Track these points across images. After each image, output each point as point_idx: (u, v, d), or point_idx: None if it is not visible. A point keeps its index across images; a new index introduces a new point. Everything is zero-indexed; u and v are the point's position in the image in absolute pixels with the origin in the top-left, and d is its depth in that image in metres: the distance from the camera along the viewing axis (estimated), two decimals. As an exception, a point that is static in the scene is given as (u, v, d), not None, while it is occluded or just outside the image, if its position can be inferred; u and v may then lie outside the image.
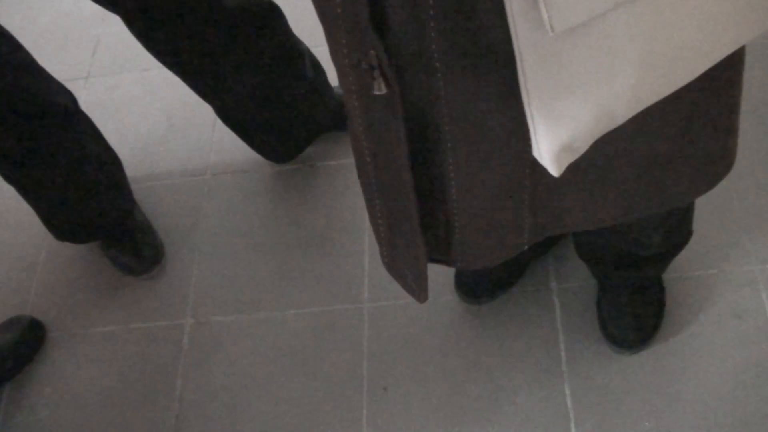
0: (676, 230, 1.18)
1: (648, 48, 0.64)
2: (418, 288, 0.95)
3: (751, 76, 1.59)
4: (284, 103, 1.51)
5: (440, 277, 1.47)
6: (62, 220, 1.54)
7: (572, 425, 1.29)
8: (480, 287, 1.41)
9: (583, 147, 0.70)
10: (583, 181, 0.84)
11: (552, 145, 0.68)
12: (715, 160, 0.90)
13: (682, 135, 0.83)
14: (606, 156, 0.82)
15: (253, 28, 1.35)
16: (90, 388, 1.48)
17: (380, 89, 0.68)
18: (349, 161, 1.67)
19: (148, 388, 1.46)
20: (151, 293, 1.58)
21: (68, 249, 1.66)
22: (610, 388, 1.31)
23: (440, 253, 0.92)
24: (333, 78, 1.62)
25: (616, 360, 1.33)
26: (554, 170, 0.71)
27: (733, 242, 1.41)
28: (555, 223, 0.91)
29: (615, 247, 1.21)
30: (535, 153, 0.69)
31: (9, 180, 1.44)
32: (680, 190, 0.90)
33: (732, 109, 0.86)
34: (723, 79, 0.81)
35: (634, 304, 1.32)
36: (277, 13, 1.40)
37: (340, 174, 1.66)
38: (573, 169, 0.81)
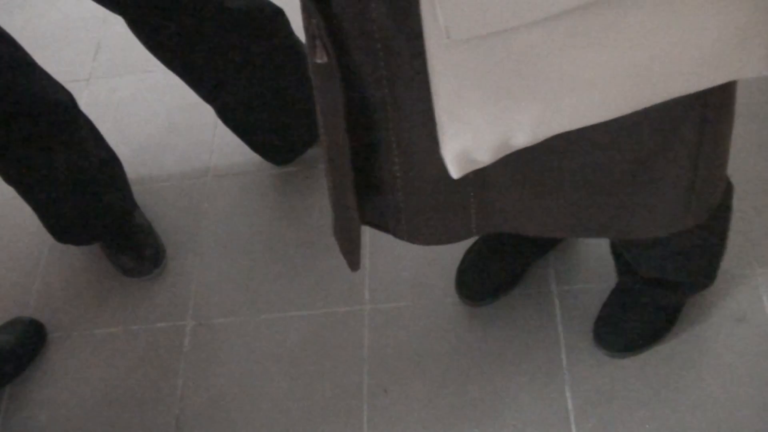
0: (695, 265, 1.16)
1: (558, 77, 0.61)
2: (351, 254, 0.95)
3: (756, 81, 1.59)
4: (285, 105, 1.51)
5: (441, 279, 1.47)
6: (62, 221, 1.54)
7: (573, 427, 1.28)
8: (481, 289, 1.41)
9: (484, 160, 0.70)
10: (532, 188, 0.83)
11: (451, 147, 0.68)
12: (673, 212, 0.86)
13: (635, 171, 0.79)
14: (556, 168, 0.80)
15: (255, 30, 1.35)
16: (90, 389, 1.48)
17: (321, 58, 0.70)
18: (350, 163, 1.67)
19: (148, 389, 1.46)
20: (152, 295, 1.58)
21: (69, 250, 1.66)
22: (611, 391, 1.31)
23: (388, 223, 0.93)
24: (334, 80, 1.62)
25: (616, 362, 1.33)
26: (453, 172, 0.71)
27: (734, 246, 1.41)
28: (504, 222, 0.90)
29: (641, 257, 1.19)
30: (441, 150, 0.70)
31: (9, 180, 1.44)
32: (631, 225, 0.87)
33: (697, 164, 0.81)
34: (686, 127, 0.76)
35: (637, 313, 1.31)
36: (280, 16, 1.40)
37: (340, 176, 1.66)
38: (521, 173, 0.81)
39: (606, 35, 0.59)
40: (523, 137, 0.67)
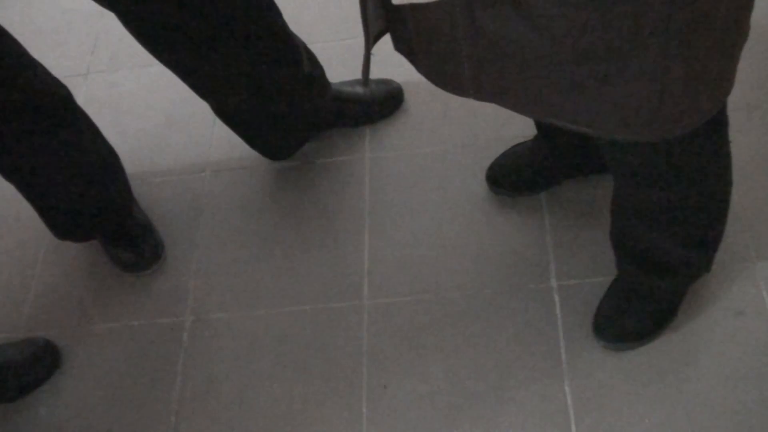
0: (695, 247, 1.18)
1: None
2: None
3: (756, 73, 1.58)
4: (281, 100, 1.50)
5: (440, 274, 1.47)
6: (61, 218, 1.54)
7: (572, 423, 1.28)
8: (507, 178, 1.52)
9: None
10: (507, 68, 0.85)
11: None
12: (641, 116, 0.83)
13: (604, 62, 0.78)
14: (521, 53, 0.81)
15: (249, 25, 1.34)
16: (89, 385, 1.48)
17: None
18: (348, 158, 1.67)
19: (147, 385, 1.46)
20: (150, 290, 1.58)
21: (67, 246, 1.66)
22: (610, 386, 1.31)
23: (406, 49, 0.96)
24: (330, 74, 1.61)
25: (616, 357, 1.33)
26: None
27: (733, 239, 1.40)
28: (494, 94, 0.92)
29: (641, 240, 1.19)
30: None
31: (7, 177, 1.44)
32: (601, 118, 0.85)
33: (667, 73, 0.79)
34: (651, 34, 0.74)
35: (636, 305, 1.31)
36: (273, 10, 1.39)
37: (339, 171, 1.66)
38: (493, 53, 0.83)
39: None
40: None
